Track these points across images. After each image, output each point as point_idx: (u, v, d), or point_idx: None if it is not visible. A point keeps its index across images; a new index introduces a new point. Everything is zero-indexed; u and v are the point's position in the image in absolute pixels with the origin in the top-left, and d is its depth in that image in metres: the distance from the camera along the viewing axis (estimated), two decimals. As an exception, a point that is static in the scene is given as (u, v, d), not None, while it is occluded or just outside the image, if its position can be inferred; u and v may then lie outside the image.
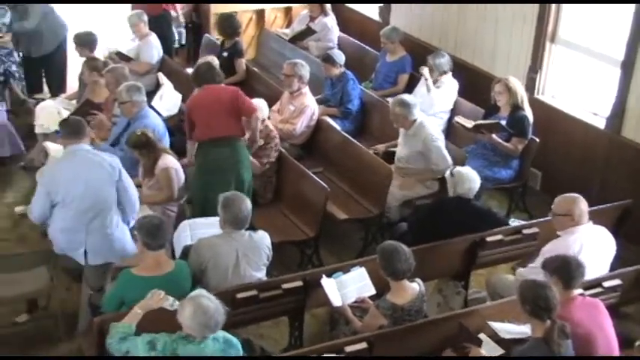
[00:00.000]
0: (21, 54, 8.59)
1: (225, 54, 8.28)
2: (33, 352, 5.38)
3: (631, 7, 6.50)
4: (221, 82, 6.34)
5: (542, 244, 5.25)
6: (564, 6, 7.22)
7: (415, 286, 4.73)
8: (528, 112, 6.79)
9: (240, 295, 4.79)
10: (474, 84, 7.68)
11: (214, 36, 9.21)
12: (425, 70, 7.43)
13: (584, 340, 4.33)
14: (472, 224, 5.53)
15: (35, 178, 6.45)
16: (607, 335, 4.47)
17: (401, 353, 4.57)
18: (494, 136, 6.71)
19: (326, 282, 4.87)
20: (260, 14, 10.38)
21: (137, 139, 5.97)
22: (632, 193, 6.22)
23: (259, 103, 6.51)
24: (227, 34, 8.34)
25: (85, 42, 7.83)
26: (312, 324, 5.58)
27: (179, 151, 6.48)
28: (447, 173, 5.74)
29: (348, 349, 4.38)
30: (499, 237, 5.57)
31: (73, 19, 9.44)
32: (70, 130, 5.37)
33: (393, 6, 9.36)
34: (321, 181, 6.17)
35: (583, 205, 5.14)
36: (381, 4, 9.59)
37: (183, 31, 10.06)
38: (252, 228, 5.14)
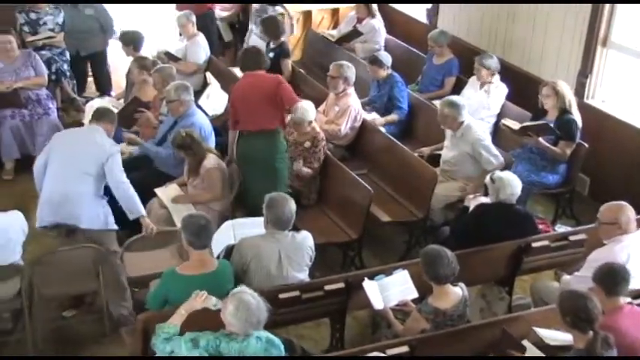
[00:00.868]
0: (70, 53, 8.71)
1: (271, 54, 8.30)
2: (79, 347, 5.46)
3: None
4: (267, 67, 6.50)
5: (589, 252, 5.16)
6: (618, 9, 7.08)
7: (458, 291, 4.68)
8: (577, 117, 6.68)
9: (282, 296, 4.80)
10: (522, 88, 7.59)
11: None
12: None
13: (631, 349, 4.24)
14: (515, 230, 5.46)
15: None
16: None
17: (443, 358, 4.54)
18: (541, 139, 6.61)
19: (368, 284, 4.85)
20: (307, 15, 10.40)
21: (182, 139, 6.04)
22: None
23: (306, 106, 6.53)
24: (271, 35, 8.37)
25: (131, 41, 7.95)
26: (354, 326, 5.57)
27: (225, 151, 6.54)
28: (488, 179, 5.66)
29: (390, 352, 4.35)
30: (545, 243, 5.49)
31: (122, 19, 9.63)
32: (96, 112, 5.83)
33: (441, 8, 9.30)
34: (365, 183, 6.15)
35: (630, 213, 5.03)
36: (429, 7, 9.54)
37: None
38: (296, 229, 5.14)
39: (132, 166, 6.15)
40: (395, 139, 6.97)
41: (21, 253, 5.22)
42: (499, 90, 7.45)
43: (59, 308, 5.72)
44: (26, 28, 8.45)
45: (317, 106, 7.18)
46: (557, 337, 4.51)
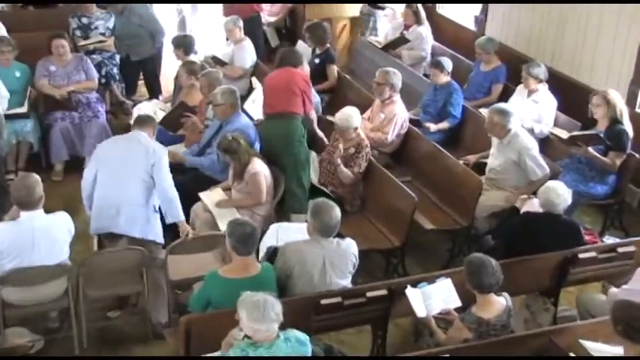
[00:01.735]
0: (120, 57, 8.86)
1: (317, 60, 8.33)
2: (122, 348, 5.52)
3: None
4: (301, 66, 6.94)
5: (638, 264, 5.06)
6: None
7: (502, 301, 4.62)
8: (628, 127, 6.55)
9: (324, 302, 4.78)
10: (571, 97, 7.47)
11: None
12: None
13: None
14: (561, 240, 5.38)
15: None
16: None
17: (485, 368, 4.49)
18: (590, 149, 6.50)
19: (411, 292, 4.82)
20: (354, 21, 10.41)
21: (228, 143, 6.08)
22: None
23: (352, 112, 6.52)
24: (317, 41, 8.39)
25: (182, 44, 8.05)
26: (396, 334, 5.53)
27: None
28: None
29: (432, 360, 4.32)
30: (592, 254, 5.39)
31: (170, 23, 9.78)
32: (138, 119, 6.05)
33: (489, 15, 9.23)
34: (409, 191, 6.12)
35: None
36: (477, 14, 9.48)
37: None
38: (339, 235, 5.14)
39: (177, 170, 6.22)
40: (440, 147, 6.92)
41: (68, 254, 5.29)
42: (548, 100, 7.34)
43: (104, 309, 5.79)
44: (78, 33, 8.61)
45: (362, 112, 7.17)
46: (605, 349, 4.42)
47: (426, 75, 8.63)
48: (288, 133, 6.55)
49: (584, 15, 7.80)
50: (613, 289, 5.12)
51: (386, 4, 10.17)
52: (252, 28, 9.31)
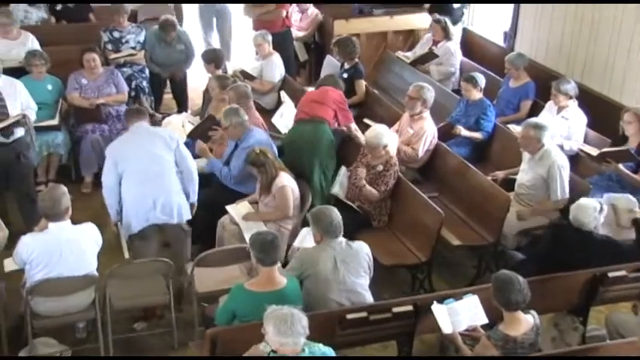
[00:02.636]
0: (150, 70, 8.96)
1: (345, 75, 8.34)
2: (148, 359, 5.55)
3: None
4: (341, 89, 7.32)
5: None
6: None
7: (529, 318, 4.57)
8: (659, 145, 6.48)
9: (349, 316, 4.77)
10: (602, 113, 7.40)
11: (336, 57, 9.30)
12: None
13: None
14: (593, 257, 5.31)
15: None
16: None
17: (512, 387, 4.44)
18: (620, 166, 6.43)
19: (437, 308, 4.79)
20: (382, 36, 10.42)
21: (255, 157, 6.11)
22: None
23: (382, 130, 6.52)
24: (345, 56, 8.41)
25: (212, 59, 8.12)
26: (421, 350, 5.49)
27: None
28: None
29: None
30: (622, 273, 5.31)
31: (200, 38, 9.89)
32: (133, 112, 6.22)
33: (519, 31, 9.19)
34: (436, 206, 6.09)
35: None
36: (507, 29, 9.45)
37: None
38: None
39: (204, 182, 6.27)
40: (468, 163, 6.88)
41: (96, 265, 5.34)
42: (578, 117, 7.28)
43: (130, 320, 5.82)
44: (109, 46, 8.72)
45: (389, 127, 7.18)
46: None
47: (454, 90, 8.60)
48: (316, 136, 6.77)
49: (616, 31, 7.73)
50: (643, 309, 5.05)
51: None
52: (283, 43, 9.36)
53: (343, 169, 6.72)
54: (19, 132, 6.51)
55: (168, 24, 8.81)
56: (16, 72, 7.36)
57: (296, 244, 5.68)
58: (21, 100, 6.53)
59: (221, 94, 7.41)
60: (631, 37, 7.57)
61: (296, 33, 10.15)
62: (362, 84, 8.41)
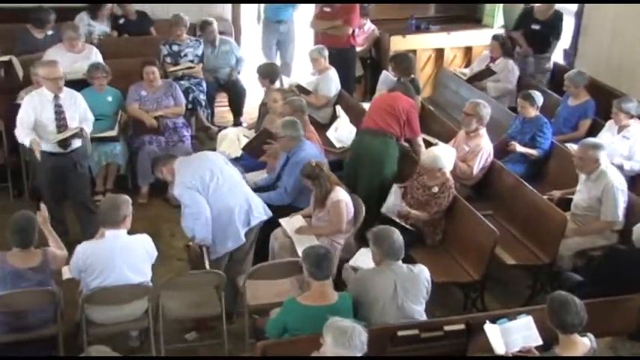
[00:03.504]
0: (207, 82, 9.09)
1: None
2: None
3: None
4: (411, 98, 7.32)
5: None
6: None
7: (586, 342, 4.47)
8: None
9: (401, 333, 4.74)
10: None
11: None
12: None
13: None
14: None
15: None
16: None
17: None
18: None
19: (490, 328, 4.71)
20: (439, 53, 10.40)
21: (311, 169, 6.12)
22: None
23: (439, 152, 6.49)
24: (402, 71, 8.39)
25: (268, 74, 8.17)
26: (473, 370, 5.42)
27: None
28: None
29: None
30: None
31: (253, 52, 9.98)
32: (164, 159, 6.09)
33: (579, 49, 9.06)
34: (490, 225, 6.02)
35: None
36: (567, 47, 9.33)
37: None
38: (411, 262, 5.11)
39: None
40: (523, 181, 6.79)
41: (150, 275, 5.40)
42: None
43: (182, 330, 5.88)
44: (168, 59, 8.86)
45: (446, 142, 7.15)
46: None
47: (511, 108, 8.51)
48: (381, 153, 6.79)
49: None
50: None
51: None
52: (346, 60, 9.37)
53: (395, 187, 6.67)
54: (77, 142, 6.64)
55: (205, 23, 9.15)
56: (79, 84, 7.52)
57: (351, 262, 5.64)
58: (79, 112, 6.66)
59: (281, 108, 7.45)
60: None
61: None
62: (418, 100, 8.36)
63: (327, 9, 9.43)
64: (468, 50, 10.51)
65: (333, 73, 8.63)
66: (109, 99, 7.82)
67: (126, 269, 5.21)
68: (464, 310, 6.00)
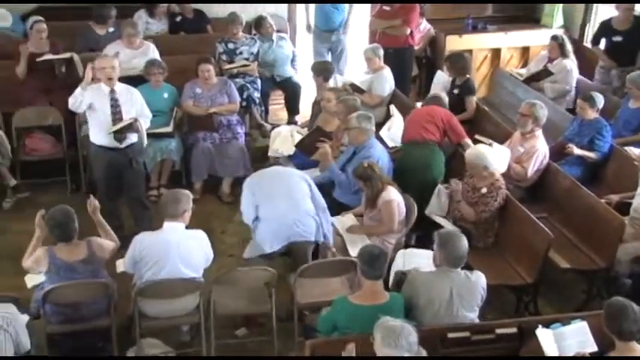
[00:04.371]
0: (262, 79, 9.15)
1: (455, 91, 8.25)
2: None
3: None
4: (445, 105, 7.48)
5: None
6: None
7: (643, 349, 4.37)
8: None
9: (451, 335, 4.70)
10: None
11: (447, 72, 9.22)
12: None
13: None
14: None
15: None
16: None
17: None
18: None
19: (542, 332, 4.64)
20: (496, 53, 10.28)
21: (363, 170, 6.11)
22: None
23: (485, 151, 6.41)
24: (457, 71, 8.32)
25: (322, 72, 8.19)
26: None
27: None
28: None
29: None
30: None
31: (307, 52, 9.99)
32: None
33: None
34: (545, 227, 5.92)
35: None
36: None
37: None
38: (468, 267, 5.04)
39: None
40: (580, 184, 6.66)
41: (202, 271, 5.45)
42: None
43: (233, 326, 5.92)
44: (224, 57, 8.93)
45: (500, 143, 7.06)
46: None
47: (569, 109, 8.35)
48: (429, 164, 6.80)
49: None
50: None
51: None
52: (403, 60, 9.32)
53: (439, 187, 6.61)
54: (132, 138, 6.71)
55: (260, 18, 9.27)
56: (135, 80, 7.64)
57: (394, 268, 5.55)
58: (136, 108, 6.74)
59: (334, 107, 7.45)
60: None
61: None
62: (472, 100, 8.29)
63: (386, 8, 9.39)
64: (525, 50, 10.37)
65: (387, 73, 8.59)
66: (165, 95, 7.92)
67: (179, 263, 5.27)
68: (515, 313, 5.92)
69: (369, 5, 10.00)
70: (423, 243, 6.20)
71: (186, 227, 5.45)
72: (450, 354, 4.71)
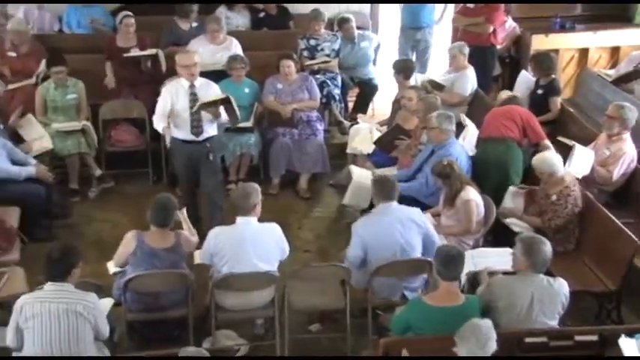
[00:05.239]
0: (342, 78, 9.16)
1: (539, 91, 8.06)
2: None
3: None
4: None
5: None
6: None
7: None
8: None
9: (528, 340, 4.59)
10: None
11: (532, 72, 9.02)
12: None
13: None
14: None
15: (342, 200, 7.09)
16: None
17: None
18: None
19: (626, 342, 4.49)
20: (583, 53, 9.99)
21: (442, 168, 6.06)
22: None
23: (552, 156, 6.27)
24: (542, 71, 8.13)
25: (402, 69, 8.14)
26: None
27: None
28: None
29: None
30: None
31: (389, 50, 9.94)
32: (383, 190, 5.64)
33: None
34: (631, 233, 5.72)
35: None
36: None
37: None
38: (549, 273, 4.92)
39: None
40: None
41: (277, 264, 5.48)
42: None
43: (307, 321, 5.94)
44: (305, 53, 8.98)
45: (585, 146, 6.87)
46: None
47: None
48: (506, 160, 6.67)
49: None
50: None
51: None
52: (485, 58, 9.17)
53: (511, 188, 6.47)
54: (211, 131, 6.77)
55: (343, 20, 9.23)
56: (219, 75, 7.75)
57: (464, 269, 5.42)
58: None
59: (415, 106, 7.38)
60: None
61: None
62: (557, 101, 8.09)
63: (470, 5, 9.27)
64: (615, 51, 10.03)
65: (470, 72, 8.46)
66: (246, 90, 8.01)
67: (254, 257, 5.32)
68: (596, 320, 5.76)
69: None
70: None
71: (261, 221, 5.49)
72: (528, 357, 4.61)
